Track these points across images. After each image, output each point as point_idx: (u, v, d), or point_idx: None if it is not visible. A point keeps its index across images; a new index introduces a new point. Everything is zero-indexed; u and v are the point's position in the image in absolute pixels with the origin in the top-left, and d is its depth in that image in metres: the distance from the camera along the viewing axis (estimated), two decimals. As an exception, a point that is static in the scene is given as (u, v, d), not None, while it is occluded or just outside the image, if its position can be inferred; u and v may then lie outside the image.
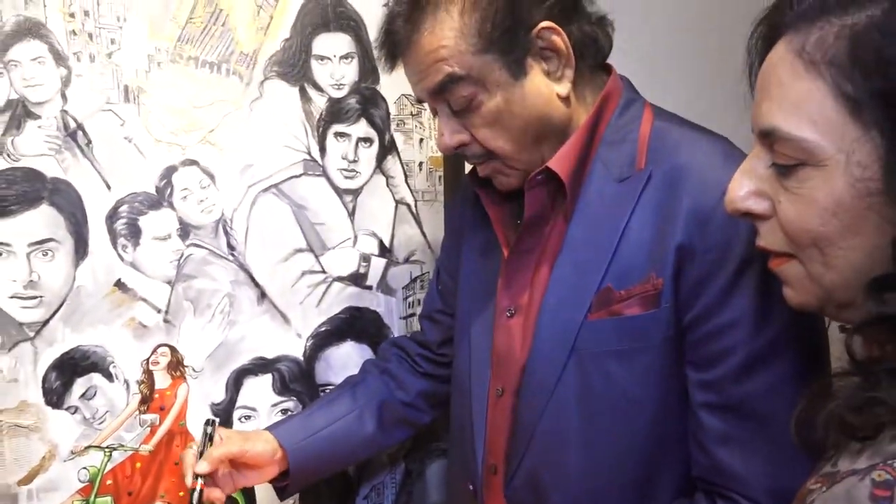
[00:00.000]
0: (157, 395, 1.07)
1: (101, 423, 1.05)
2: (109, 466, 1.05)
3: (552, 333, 0.81)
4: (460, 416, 0.94)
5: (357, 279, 1.16)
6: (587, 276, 0.79)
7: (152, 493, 1.08)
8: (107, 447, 1.05)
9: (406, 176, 1.17)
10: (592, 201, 0.79)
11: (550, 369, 0.81)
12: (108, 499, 1.06)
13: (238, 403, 1.12)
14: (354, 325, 1.17)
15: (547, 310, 0.81)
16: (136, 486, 1.07)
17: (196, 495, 0.87)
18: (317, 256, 1.13)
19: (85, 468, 1.04)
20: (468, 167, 0.95)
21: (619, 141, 0.79)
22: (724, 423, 0.73)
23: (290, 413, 1.13)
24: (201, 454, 0.91)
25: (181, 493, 1.09)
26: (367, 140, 1.13)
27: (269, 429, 0.98)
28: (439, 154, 1.18)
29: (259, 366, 1.13)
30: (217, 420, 0.96)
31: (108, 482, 1.05)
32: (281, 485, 0.99)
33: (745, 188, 0.56)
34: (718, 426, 0.74)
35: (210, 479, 0.90)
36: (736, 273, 0.72)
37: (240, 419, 1.13)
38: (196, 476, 0.89)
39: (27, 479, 1.00)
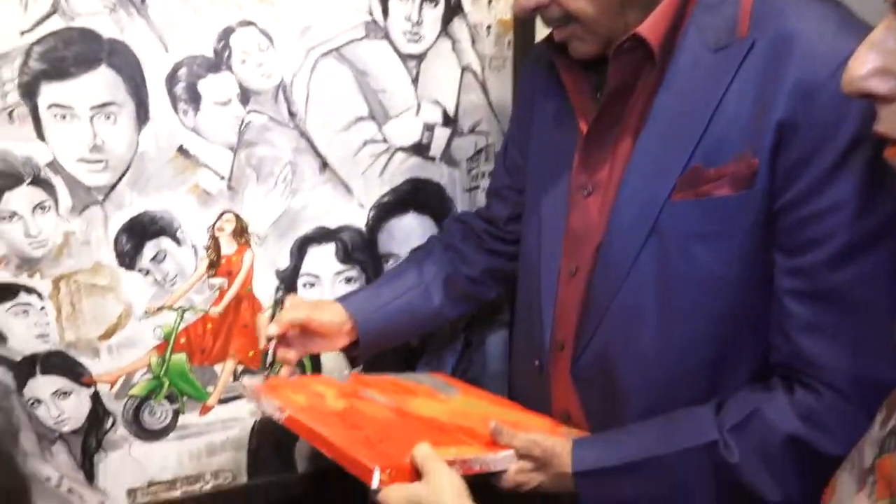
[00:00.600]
0: (223, 261, 1.09)
1: (173, 285, 1.08)
2: (182, 326, 1.09)
3: (631, 214, 0.79)
4: (528, 294, 0.94)
5: (420, 149, 1.14)
6: (673, 153, 0.76)
7: (223, 351, 1.12)
8: (179, 308, 1.08)
9: (473, 40, 1.13)
10: (684, 71, 0.75)
11: (628, 250, 0.79)
12: (183, 355, 1.10)
13: (302, 271, 1.13)
14: (417, 196, 1.16)
15: (627, 188, 0.79)
16: (207, 345, 1.11)
17: (269, 355, 0.92)
18: (379, 125, 1.11)
19: (159, 327, 1.08)
20: (540, 31, 0.91)
21: (717, 4, 0.74)
22: (812, 311, 0.72)
23: (352, 281, 1.15)
24: (272, 319, 0.93)
25: (250, 353, 1.13)
26: (432, 0, 1.08)
27: (338, 300, 0.99)
28: (509, 17, 1.13)
29: (322, 234, 1.13)
30: (283, 298, 0.97)
31: (182, 340, 1.09)
32: (352, 354, 1.02)
33: (869, 64, 0.51)
34: (805, 314, 0.73)
35: (282, 341, 0.92)
36: (843, 155, 0.68)
37: (304, 286, 1.14)
38: (268, 338, 0.91)
39: (107, 335, 1.05)
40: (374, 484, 0.70)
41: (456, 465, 0.75)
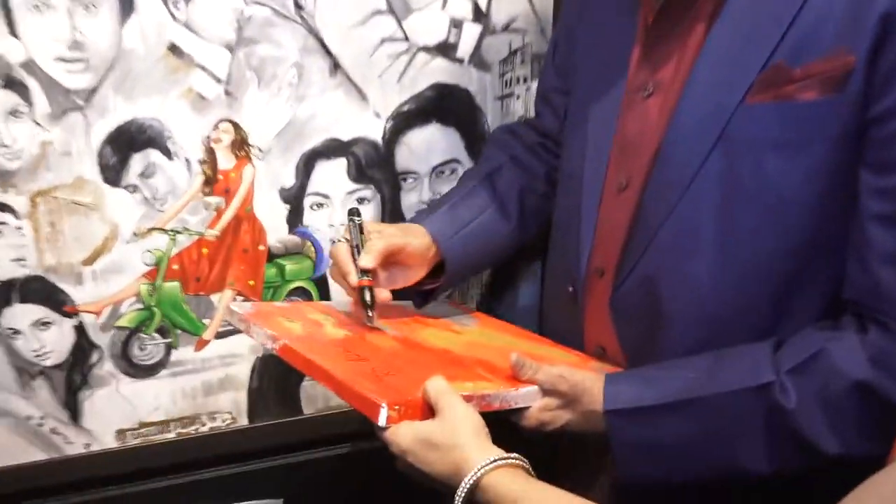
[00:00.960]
0: (220, 177, 1.08)
1: (163, 204, 1.07)
2: (175, 251, 1.09)
3: (698, 117, 0.78)
4: (565, 213, 0.94)
5: (446, 50, 1.12)
6: (753, 48, 0.74)
7: (220, 279, 1.12)
8: (171, 230, 1.08)
9: (510, -85, 1.12)
10: None
11: (689, 160, 0.78)
12: (176, 284, 1.10)
13: (309, 189, 1.13)
14: (441, 104, 1.15)
15: (695, 87, 0.78)
16: (203, 273, 1.11)
17: (367, 294, 0.86)
18: (399, 20, 1.09)
19: (149, 251, 1.08)
20: None
21: None
22: None
23: (366, 201, 1.15)
24: (356, 249, 0.90)
25: (251, 282, 1.13)
26: None
27: (417, 221, 0.97)
28: None
29: (332, 148, 1.12)
30: (356, 209, 0.95)
31: (175, 267, 1.09)
32: (426, 287, 0.99)
33: None
34: (890, 242, 0.71)
35: (372, 275, 0.90)
36: None
37: (311, 207, 1.14)
38: (362, 272, 0.88)
39: (90, 260, 1.04)
40: (382, 421, 0.71)
41: (473, 402, 0.75)
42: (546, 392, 0.81)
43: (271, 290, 1.16)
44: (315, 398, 1.22)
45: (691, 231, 0.79)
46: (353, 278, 0.88)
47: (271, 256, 1.14)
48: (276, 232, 1.14)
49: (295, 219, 1.14)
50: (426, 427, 0.71)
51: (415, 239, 0.93)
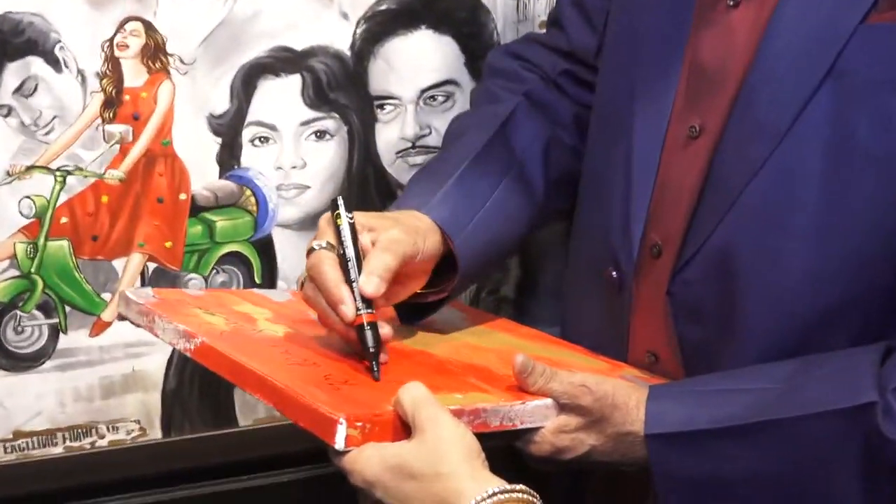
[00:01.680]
0: (127, 97, 1.07)
1: (48, 132, 1.06)
2: (63, 198, 1.08)
3: (801, 41, 0.80)
4: (604, 171, 0.96)
5: None
6: None
7: (126, 239, 1.11)
8: (58, 170, 1.07)
9: None
10: None
11: (788, 97, 0.80)
12: (64, 243, 1.09)
13: (249, 118, 1.13)
14: (434, 3, 1.14)
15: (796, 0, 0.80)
16: (102, 229, 1.10)
17: (371, 335, 0.82)
18: None
19: (29, 198, 1.06)
20: None
21: None
22: None
23: (326, 136, 1.15)
24: (348, 263, 0.84)
25: (167, 244, 1.13)
26: None
27: (413, 204, 0.96)
28: None
29: (282, 60, 1.11)
30: (343, 199, 0.90)
31: (63, 220, 1.08)
32: (429, 299, 0.96)
33: None
34: None
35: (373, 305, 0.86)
36: None
37: (252, 142, 1.14)
38: (364, 303, 0.83)
39: (-55, 209, 1.06)
40: (339, 443, 0.71)
41: (464, 418, 0.76)
42: (563, 408, 0.82)
43: (196, 254, 1.14)
44: (254, 405, 1.20)
45: (786, 195, 0.81)
46: (349, 311, 0.83)
47: (196, 209, 1.13)
48: (204, 176, 1.13)
49: (229, 158, 1.13)
50: (400, 450, 0.72)
51: (424, 241, 0.91)
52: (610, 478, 0.87)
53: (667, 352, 0.90)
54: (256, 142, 1.13)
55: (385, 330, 0.84)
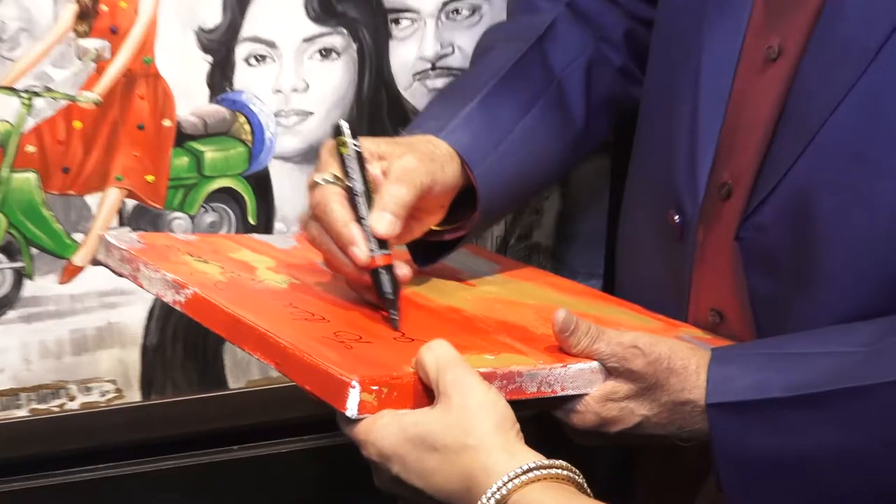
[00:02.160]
0: (104, 7, 1.07)
1: (13, 49, 1.06)
2: (30, 124, 1.08)
3: None
4: (670, 96, 0.95)
5: None
6: None
7: (101, 171, 1.11)
8: (25, 91, 1.07)
9: None
10: None
11: (882, 10, 0.79)
12: (31, 175, 1.09)
13: (243, 33, 1.12)
14: None
15: None
16: (74, 159, 1.10)
17: (387, 280, 0.83)
18: None
19: None
20: None
21: None
22: None
23: (332, 55, 1.14)
24: (358, 198, 0.85)
25: (149, 178, 1.13)
26: None
27: (428, 128, 0.95)
28: None
29: None
30: (348, 124, 0.90)
31: (30, 149, 1.08)
32: (435, 239, 0.97)
33: None
34: None
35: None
36: None
37: (247, 60, 1.14)
38: (378, 243, 0.84)
39: None
40: (351, 410, 0.71)
41: (496, 382, 0.76)
42: (611, 372, 0.81)
43: (181, 190, 1.15)
44: (247, 365, 1.21)
45: (875, 126, 0.80)
46: (362, 253, 0.83)
47: (182, 138, 1.13)
48: (191, 99, 1.13)
49: (221, 79, 1.13)
50: (421, 419, 0.71)
51: (443, 170, 0.92)
52: (663, 454, 0.87)
53: (734, 309, 0.90)
54: (252, 60, 1.12)
55: (403, 271, 0.85)
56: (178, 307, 0.84)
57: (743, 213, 0.87)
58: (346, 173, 0.86)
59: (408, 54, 1.17)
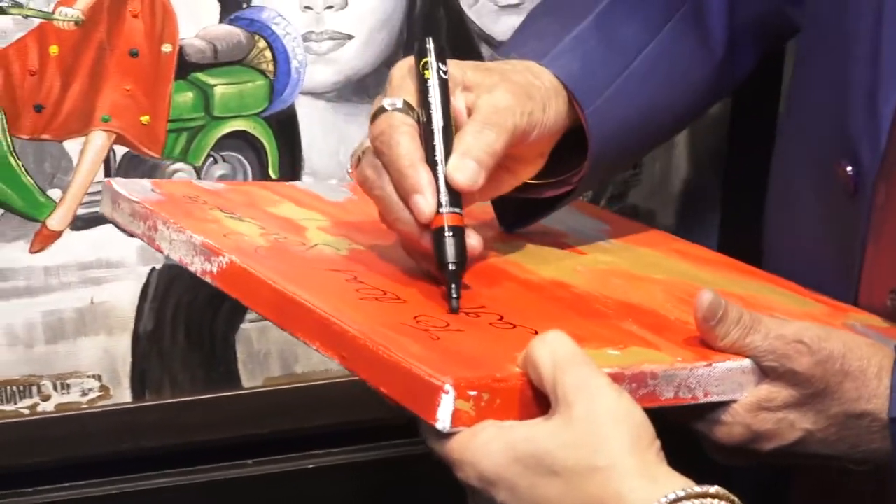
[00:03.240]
0: None
1: None
2: None
3: None
4: (842, 17, 0.96)
5: None
6: None
7: (84, 110, 1.13)
8: None
9: None
10: None
11: None
12: None
13: None
14: None
15: None
16: (49, 95, 1.12)
17: (453, 244, 0.83)
18: None
19: None
20: None
21: None
22: None
23: None
24: (435, 135, 0.85)
25: (144, 119, 1.15)
26: None
27: (528, 51, 0.96)
28: None
29: None
30: (438, 42, 0.89)
31: None
32: (537, 196, 0.98)
33: None
34: None
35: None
36: None
37: None
38: (451, 197, 0.84)
39: None
40: (444, 421, 0.71)
41: (624, 385, 0.75)
42: (768, 373, 0.81)
43: (184, 134, 1.17)
44: (265, 357, 1.22)
45: None
46: (427, 205, 0.83)
47: (186, 67, 1.16)
48: (197, 18, 1.15)
49: None
50: (535, 434, 0.71)
51: (544, 110, 0.92)
52: (824, 479, 0.87)
53: None
54: None
55: (473, 241, 0.85)
56: (208, 279, 0.84)
57: None
58: (425, 103, 0.86)
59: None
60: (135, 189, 0.92)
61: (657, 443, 0.71)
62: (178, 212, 0.89)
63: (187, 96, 1.14)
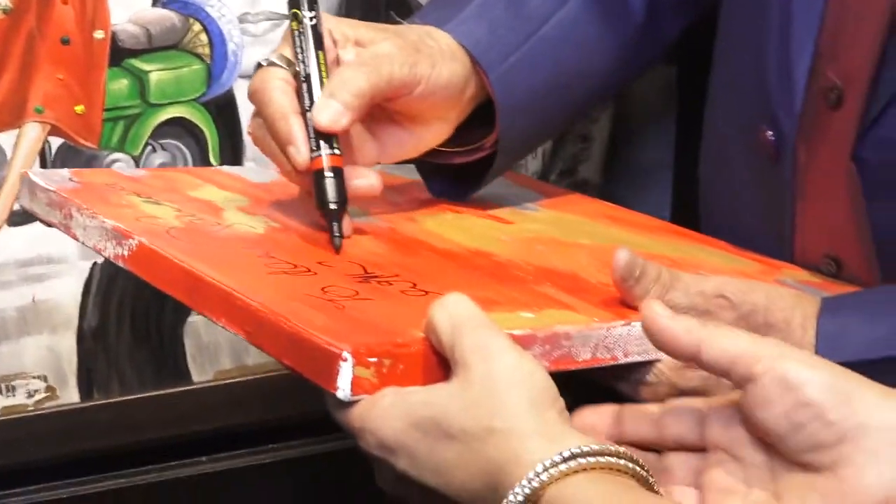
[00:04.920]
0: None
1: None
2: None
3: None
4: None
5: None
6: None
7: (16, 102, 1.13)
8: None
9: None
10: None
11: None
12: None
13: None
14: None
15: None
16: None
17: (332, 186, 0.87)
18: None
19: None
20: None
21: None
22: None
23: None
24: (308, 84, 0.89)
25: (79, 108, 1.15)
26: None
27: (433, 19, 0.98)
28: None
29: None
30: None
31: None
32: (451, 161, 1.01)
33: None
34: None
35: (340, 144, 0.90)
36: None
37: None
38: (320, 138, 0.87)
39: None
40: (343, 389, 0.71)
41: (535, 347, 0.76)
42: None
43: (121, 123, 1.18)
44: (215, 350, 1.23)
45: None
46: (301, 152, 0.87)
47: (120, 54, 1.16)
48: (129, 3, 1.15)
49: None
50: (434, 398, 0.71)
51: (433, 66, 0.94)
52: None
53: (853, 253, 0.91)
54: None
55: (370, 180, 0.88)
56: (120, 262, 0.84)
57: (859, 124, 0.88)
58: (298, 53, 0.89)
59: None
60: (52, 179, 0.93)
61: (560, 402, 0.71)
62: (94, 198, 0.90)
63: (122, 83, 1.15)
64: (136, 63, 1.15)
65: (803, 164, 0.94)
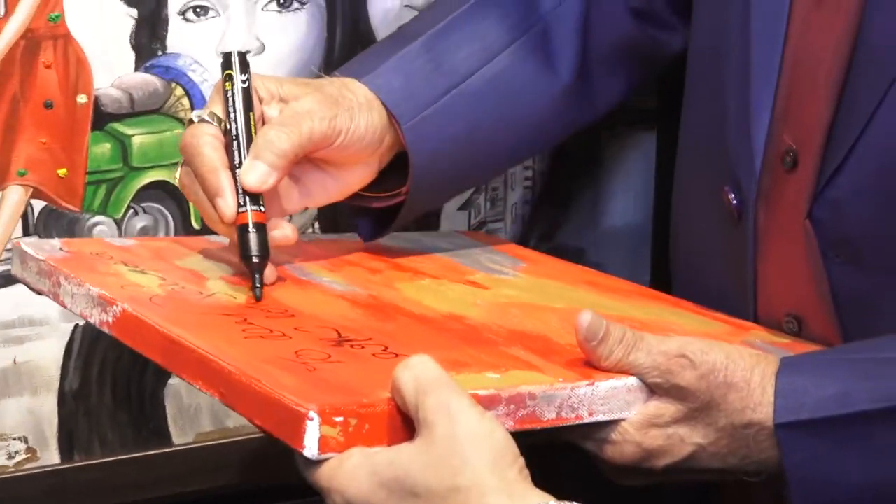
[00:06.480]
0: None
1: None
2: None
3: None
4: (717, 44, 0.99)
5: None
6: None
7: (1, 155, 1.12)
8: None
9: None
10: None
11: None
12: None
13: None
14: None
15: None
16: None
17: (255, 240, 0.91)
18: None
19: None
20: None
21: None
22: None
23: (293, 7, 1.17)
24: (238, 141, 0.93)
25: (62, 172, 1.14)
26: None
27: (357, 72, 1.01)
28: None
29: None
30: (241, 53, 0.98)
31: None
32: (372, 205, 1.04)
33: None
34: None
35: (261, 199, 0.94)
36: None
37: (182, 15, 1.15)
38: (247, 195, 0.91)
39: None
40: (310, 448, 0.72)
41: (499, 408, 0.77)
42: (654, 390, 0.83)
43: (104, 186, 1.17)
44: (195, 413, 1.23)
45: None
46: (230, 206, 0.92)
47: (102, 118, 1.15)
48: (112, 68, 1.15)
49: (150, 40, 1.15)
50: (398, 457, 0.72)
51: (351, 118, 0.97)
52: (735, 495, 0.90)
53: (814, 312, 0.91)
54: (190, 14, 1.14)
55: (285, 232, 0.92)
56: (105, 329, 0.86)
57: (814, 185, 0.89)
58: (228, 113, 0.93)
59: (391, 1, 1.20)
60: (43, 248, 0.94)
61: (520, 461, 0.72)
62: (82, 267, 0.92)
63: (105, 147, 1.14)
64: (119, 127, 1.15)
65: (763, 225, 0.94)
